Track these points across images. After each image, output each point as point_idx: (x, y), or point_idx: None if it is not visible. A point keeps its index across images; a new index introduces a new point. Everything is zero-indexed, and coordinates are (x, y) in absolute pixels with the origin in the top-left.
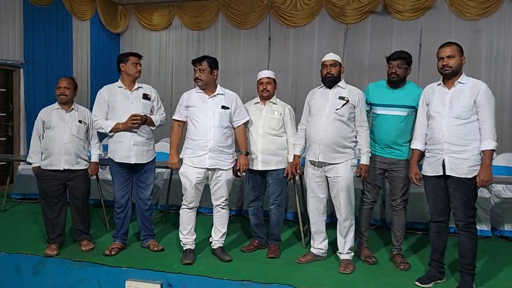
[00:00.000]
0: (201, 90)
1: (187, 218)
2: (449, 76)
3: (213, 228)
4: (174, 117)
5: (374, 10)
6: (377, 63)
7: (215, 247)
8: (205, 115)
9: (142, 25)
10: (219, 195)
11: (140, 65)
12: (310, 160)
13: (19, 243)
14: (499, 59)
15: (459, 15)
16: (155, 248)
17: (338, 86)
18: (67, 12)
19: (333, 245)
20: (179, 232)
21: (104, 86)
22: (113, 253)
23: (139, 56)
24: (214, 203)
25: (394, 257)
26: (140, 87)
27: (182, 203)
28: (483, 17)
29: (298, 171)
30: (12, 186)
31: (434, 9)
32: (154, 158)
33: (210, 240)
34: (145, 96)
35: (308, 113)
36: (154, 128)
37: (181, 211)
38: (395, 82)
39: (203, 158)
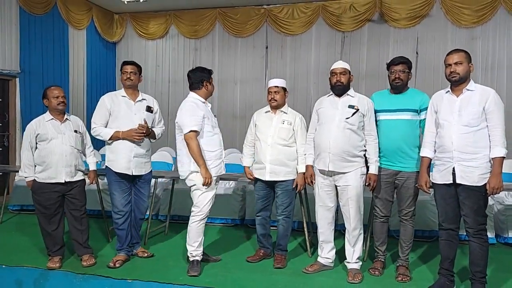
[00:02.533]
0: (204, 100)
1: (200, 229)
2: (457, 83)
3: None
4: (195, 128)
5: (370, 18)
6: (374, 71)
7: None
8: (215, 125)
9: (139, 34)
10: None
11: (135, 73)
12: (319, 169)
13: (18, 256)
14: (495, 66)
15: (455, 23)
16: (145, 255)
17: (348, 94)
18: (63, 21)
19: (339, 254)
20: (189, 245)
21: (107, 93)
22: (117, 265)
23: (131, 63)
24: None
25: (398, 268)
26: (144, 99)
27: (196, 215)
28: (479, 25)
29: (313, 181)
30: (9, 198)
31: (430, 17)
32: (151, 169)
33: None
34: (148, 109)
35: (317, 121)
36: (154, 141)
37: (195, 224)
38: (399, 87)
39: (221, 166)
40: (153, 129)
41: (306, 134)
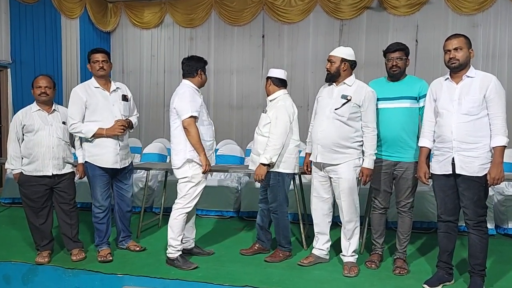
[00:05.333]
0: (199, 89)
1: (185, 221)
2: (456, 70)
3: (186, 228)
4: (195, 114)
5: (369, 6)
6: (373, 60)
7: (193, 245)
8: (207, 115)
9: (133, 23)
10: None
11: (106, 61)
12: (312, 160)
13: (7, 251)
14: (496, 54)
15: (455, 10)
16: (137, 249)
17: (345, 83)
18: (55, 10)
19: (336, 246)
20: (174, 239)
21: (79, 85)
22: (109, 257)
23: (102, 52)
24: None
25: (395, 261)
26: (118, 88)
27: (183, 207)
28: (479, 12)
29: (309, 169)
30: (1, 190)
31: (430, 4)
32: (132, 160)
33: (183, 241)
34: (124, 98)
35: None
36: (132, 131)
37: (181, 217)
38: (396, 75)
39: (211, 157)
40: (130, 118)
41: (281, 125)
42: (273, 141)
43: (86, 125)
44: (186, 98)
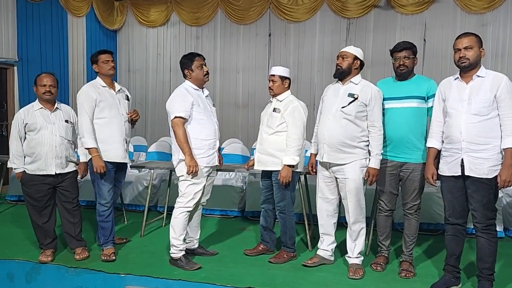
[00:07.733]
0: (197, 87)
1: (186, 221)
2: (466, 69)
3: (190, 228)
4: (181, 114)
5: (377, 4)
6: (380, 59)
7: (196, 246)
8: (210, 113)
9: (139, 22)
10: (208, 192)
11: (113, 61)
12: (318, 160)
13: (11, 249)
14: (506, 54)
15: (464, 9)
16: (123, 241)
17: (351, 81)
18: (62, 8)
19: (341, 248)
20: (175, 239)
21: (87, 84)
22: (113, 257)
23: (109, 53)
24: (201, 201)
25: (401, 263)
26: (122, 88)
27: (183, 206)
28: (489, 11)
29: (314, 170)
30: (6, 188)
31: (438, 3)
32: None
33: (187, 241)
34: (127, 98)
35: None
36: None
37: (182, 216)
38: (404, 75)
39: (214, 156)
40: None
41: (300, 124)
42: (295, 141)
43: (87, 140)
44: (175, 99)
